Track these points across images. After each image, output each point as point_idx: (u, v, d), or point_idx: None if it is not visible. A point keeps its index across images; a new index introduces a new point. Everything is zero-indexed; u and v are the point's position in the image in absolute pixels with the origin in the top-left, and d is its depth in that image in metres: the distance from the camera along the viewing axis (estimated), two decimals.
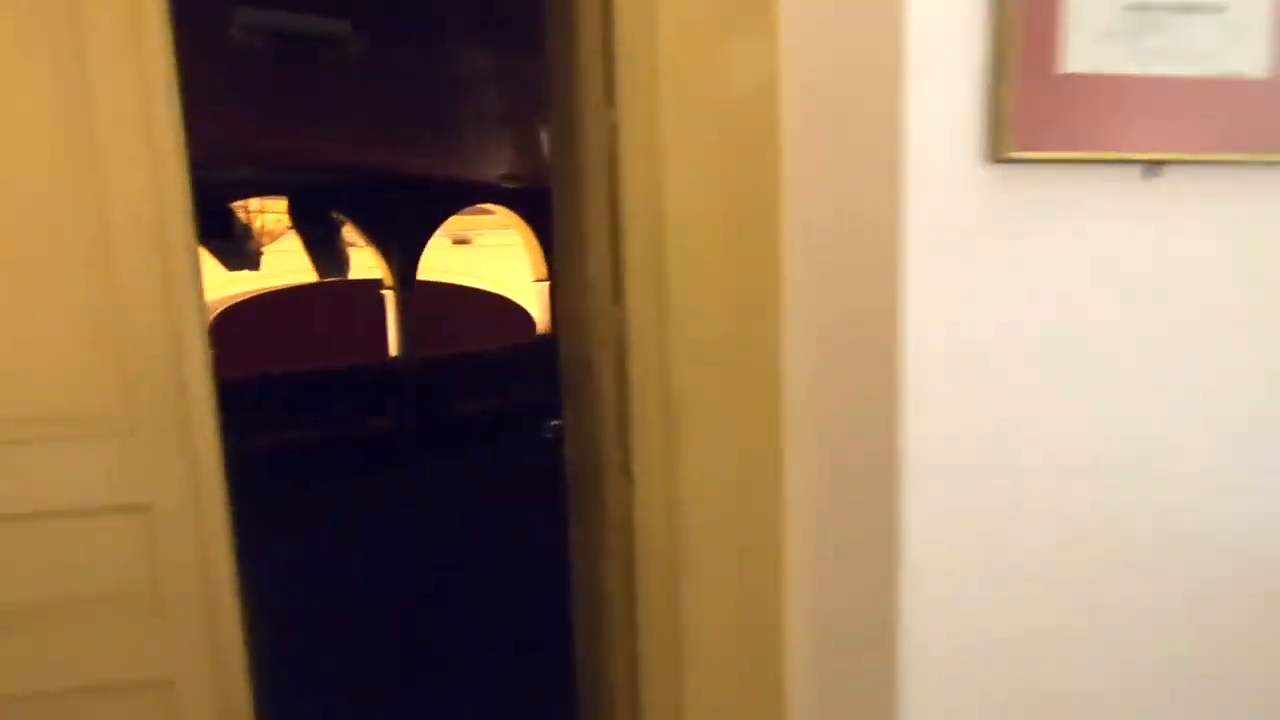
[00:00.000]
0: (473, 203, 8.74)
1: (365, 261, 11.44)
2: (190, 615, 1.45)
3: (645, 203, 1.24)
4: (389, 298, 8.35)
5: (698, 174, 1.21)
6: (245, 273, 8.37)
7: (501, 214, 9.58)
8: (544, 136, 5.52)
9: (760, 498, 1.28)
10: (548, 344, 10.06)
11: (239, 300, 18.20)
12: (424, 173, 7.73)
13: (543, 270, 10.00)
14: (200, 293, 1.39)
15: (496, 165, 7.44)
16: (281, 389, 6.92)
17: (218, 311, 18.32)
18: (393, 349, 8.43)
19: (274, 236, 11.33)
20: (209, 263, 7.79)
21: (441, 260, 17.18)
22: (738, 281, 1.23)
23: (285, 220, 7.69)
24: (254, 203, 8.34)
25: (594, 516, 1.78)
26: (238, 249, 6.83)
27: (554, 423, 2.31)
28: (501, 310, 18.36)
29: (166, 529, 1.40)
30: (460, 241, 18.02)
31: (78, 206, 1.28)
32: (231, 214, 6.61)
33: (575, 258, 1.86)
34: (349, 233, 8.66)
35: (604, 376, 1.51)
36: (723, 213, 1.22)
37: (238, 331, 19.15)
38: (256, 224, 11.04)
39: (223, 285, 16.17)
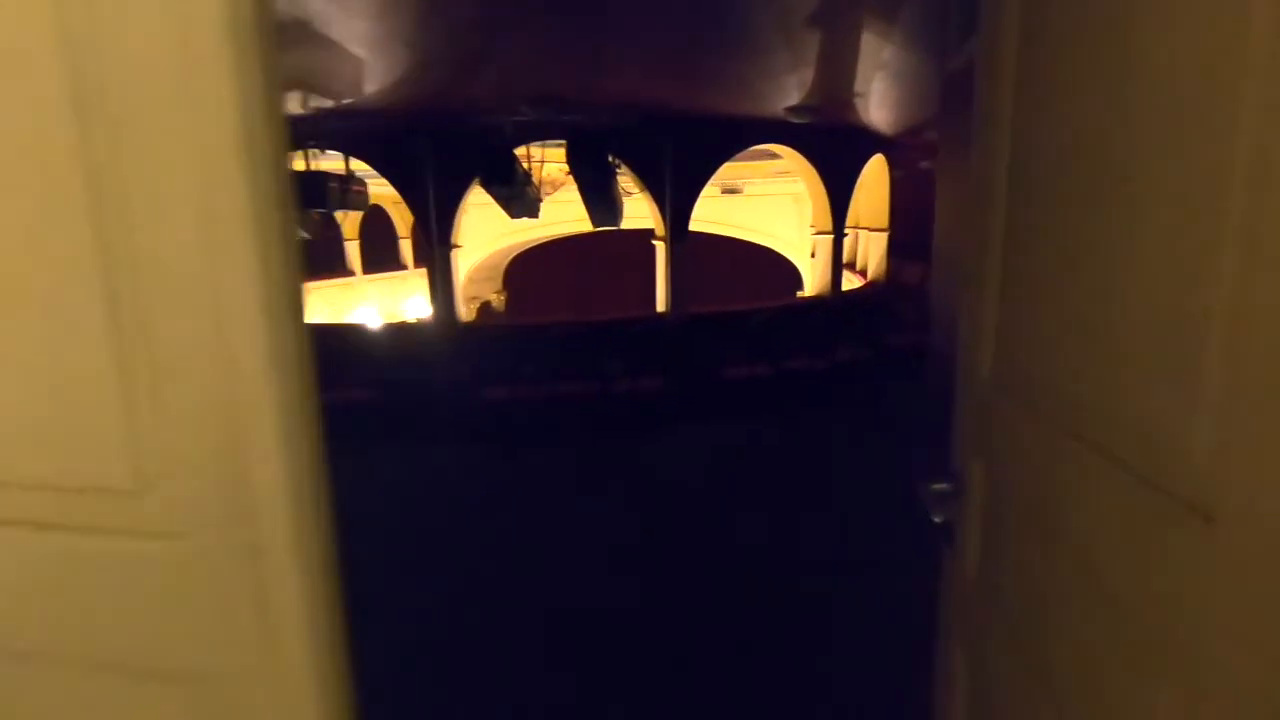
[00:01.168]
0: (754, 143, 7.75)
1: (635, 211, 11.19)
2: None
3: None
4: (659, 248, 7.81)
5: None
6: (526, 220, 8.42)
7: (786, 157, 8.45)
8: (872, 39, 4.27)
9: None
10: (825, 306, 8.84)
11: (528, 247, 19.64)
12: (704, 109, 6.92)
13: (826, 221, 8.72)
14: (296, 318, 0.64)
15: (786, 93, 6.32)
16: (546, 339, 6.77)
17: (511, 257, 20.05)
18: (660, 304, 7.92)
19: (555, 186, 11.57)
20: (493, 210, 7.93)
21: (709, 210, 16.59)
22: None
23: (565, 169, 7.47)
24: (536, 152, 8.31)
25: None
26: (519, 195, 6.73)
27: (938, 487, 1.28)
28: (771, 266, 17.33)
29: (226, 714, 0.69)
30: (730, 191, 17.26)
31: (82, 198, 0.63)
32: (514, 159, 6.48)
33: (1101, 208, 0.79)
34: (624, 181, 8.26)
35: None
36: None
37: (522, 279, 20.86)
38: (541, 173, 11.35)
39: (515, 232, 17.47)
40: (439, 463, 6.08)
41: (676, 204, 7.49)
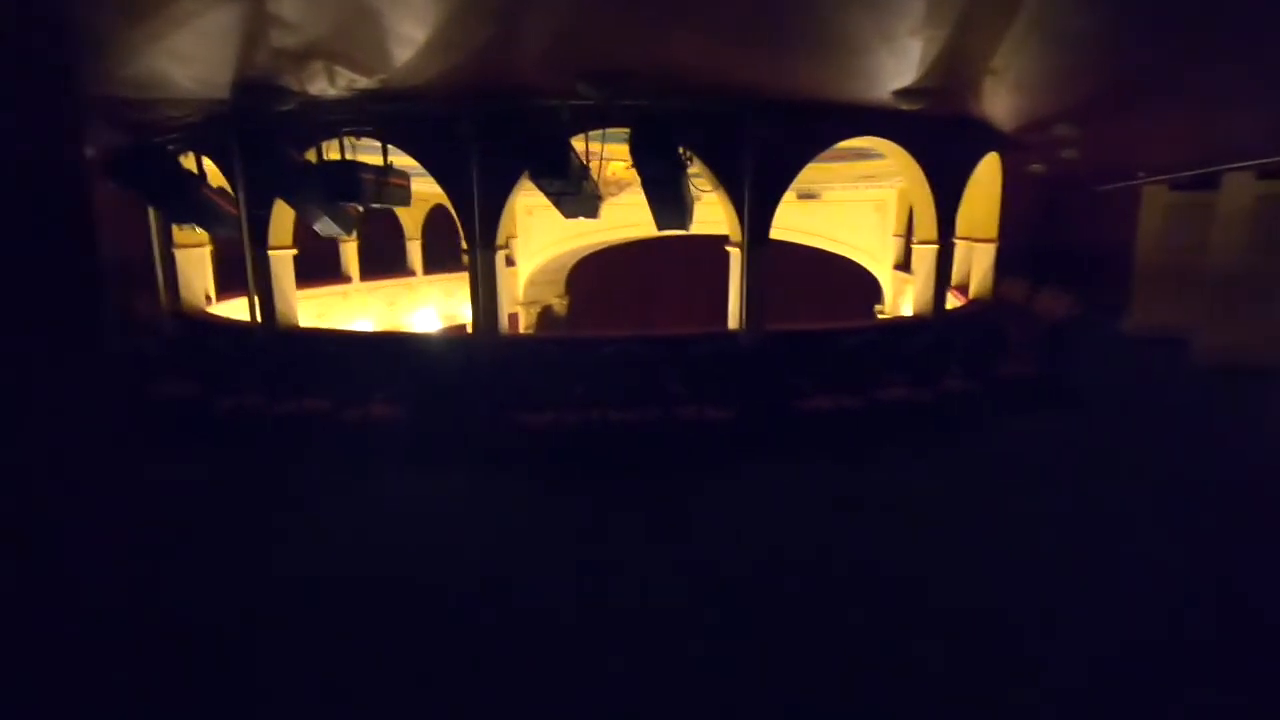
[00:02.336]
0: (851, 134, 6.59)
1: (704, 217, 10.08)
2: None
3: None
4: (734, 255, 6.75)
5: None
6: (585, 220, 7.49)
7: (888, 154, 7.23)
8: None
9: None
10: (928, 328, 7.59)
11: (590, 252, 18.85)
12: (796, 92, 5.83)
13: (930, 228, 7.46)
14: None
15: (900, 70, 5.18)
16: (597, 357, 5.80)
17: (574, 263, 19.29)
18: (732, 319, 6.85)
19: (621, 186, 10.59)
20: (551, 214, 7.04)
21: (782, 216, 15.35)
22: None
23: (630, 165, 6.50)
24: (597, 147, 7.36)
25: None
26: (574, 190, 5.80)
27: None
28: (858, 283, 15.95)
29: None
30: (807, 196, 16.02)
31: None
32: (568, 149, 5.55)
33: None
34: (698, 182, 7.26)
35: None
36: None
37: (583, 290, 20.01)
38: (605, 171, 10.39)
39: (581, 235, 16.63)
40: (464, 494, 5.23)
41: (757, 204, 6.42)
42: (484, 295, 6.41)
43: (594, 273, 19.52)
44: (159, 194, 6.60)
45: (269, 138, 5.92)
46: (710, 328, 7.08)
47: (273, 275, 7.09)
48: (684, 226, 6.39)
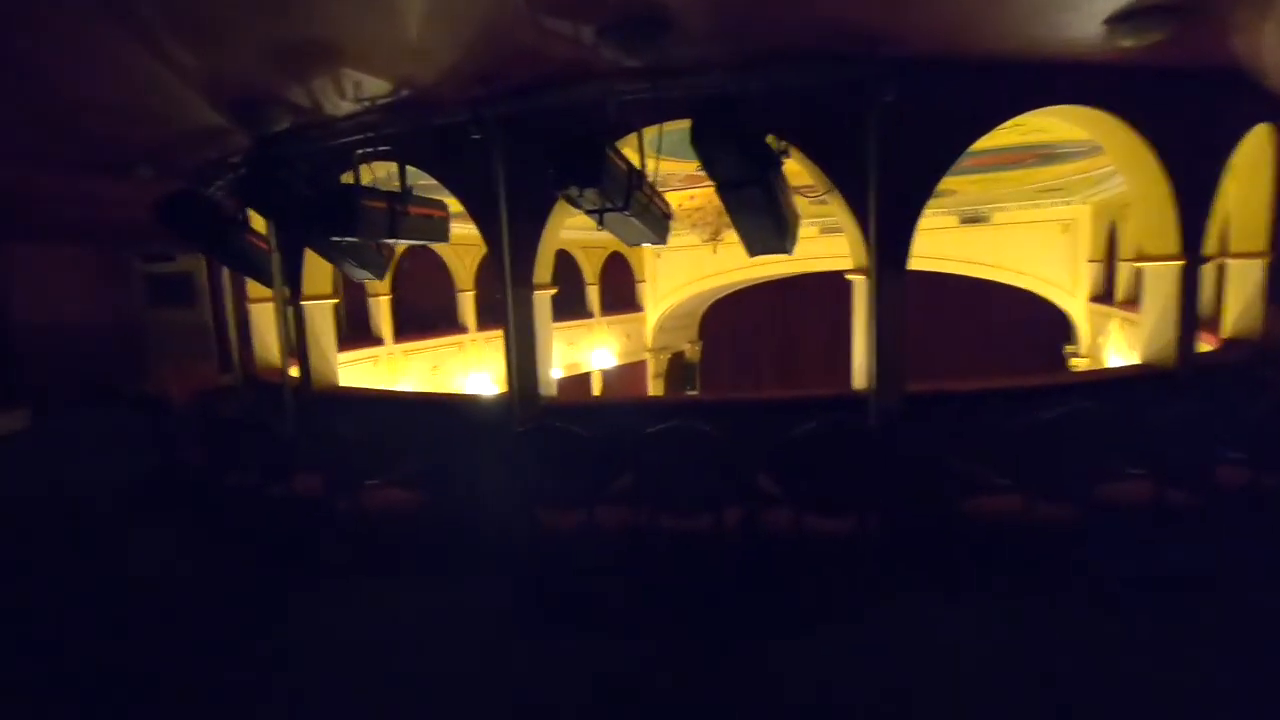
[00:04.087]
0: (1033, 103, 4.47)
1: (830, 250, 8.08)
2: None
3: None
4: (858, 286, 4.79)
5: None
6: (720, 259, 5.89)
7: (1096, 135, 4.95)
8: None
9: None
10: (1172, 381, 4.84)
11: (724, 295, 17.39)
12: (939, 41, 3.92)
13: (1167, 239, 5.00)
14: None
15: None
16: (648, 433, 4.03)
17: (707, 306, 17.82)
18: (857, 378, 4.85)
19: None
20: (692, 251, 5.49)
21: (943, 245, 12.95)
22: None
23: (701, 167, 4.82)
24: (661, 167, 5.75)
25: None
26: (617, 204, 4.20)
27: None
28: (1046, 323, 13.17)
29: None
30: (973, 220, 13.46)
31: None
32: (598, 148, 3.94)
33: None
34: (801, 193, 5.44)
35: None
36: None
37: (719, 336, 18.41)
38: (720, 200, 8.76)
39: (715, 275, 15.24)
40: (462, 608, 3.72)
41: (889, 212, 4.46)
42: (518, 348, 4.96)
43: (730, 316, 17.99)
44: (206, 242, 5.94)
45: (274, 167, 4.98)
46: (818, 390, 5.09)
47: (307, 329, 6.16)
48: (784, 248, 4.57)
